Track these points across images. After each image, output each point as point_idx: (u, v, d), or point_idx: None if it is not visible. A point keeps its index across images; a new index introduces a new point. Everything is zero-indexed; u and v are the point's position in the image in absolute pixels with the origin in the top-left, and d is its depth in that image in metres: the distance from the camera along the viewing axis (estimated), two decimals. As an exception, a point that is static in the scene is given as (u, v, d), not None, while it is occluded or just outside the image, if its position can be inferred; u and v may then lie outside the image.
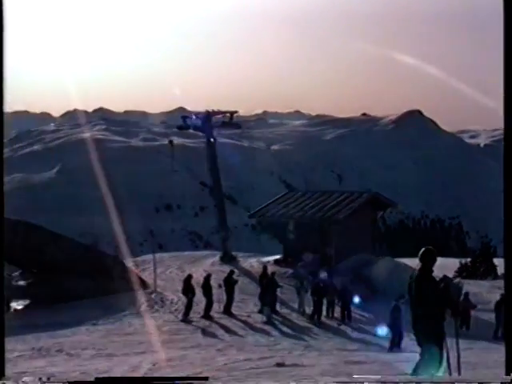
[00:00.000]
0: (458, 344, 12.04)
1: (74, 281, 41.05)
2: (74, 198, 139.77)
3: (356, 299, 34.05)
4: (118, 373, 14.75)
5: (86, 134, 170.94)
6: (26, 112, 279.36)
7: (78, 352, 20.07)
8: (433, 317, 10.24)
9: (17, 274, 47.19)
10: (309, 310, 34.84)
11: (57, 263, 42.16)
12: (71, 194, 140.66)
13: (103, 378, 9.64)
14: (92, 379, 9.37)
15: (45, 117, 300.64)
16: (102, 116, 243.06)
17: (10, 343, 22.36)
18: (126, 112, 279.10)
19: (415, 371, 10.68)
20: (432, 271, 10.61)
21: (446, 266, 34.87)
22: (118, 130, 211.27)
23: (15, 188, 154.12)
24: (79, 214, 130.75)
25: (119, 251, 50.93)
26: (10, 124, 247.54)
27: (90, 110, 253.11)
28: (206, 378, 9.47)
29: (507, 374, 8.89)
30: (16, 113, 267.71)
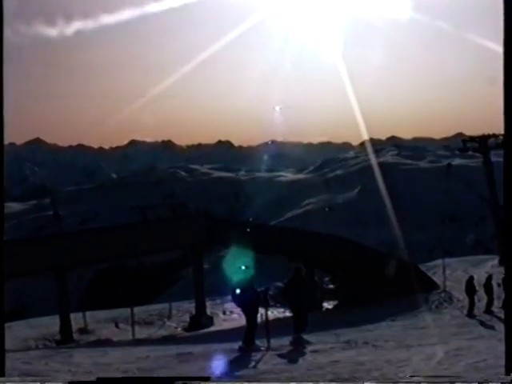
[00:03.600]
0: None
1: (374, 284, 41.70)
2: (372, 214, 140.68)
3: None
4: (416, 361, 15.01)
5: (381, 159, 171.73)
6: (330, 143, 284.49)
7: (382, 344, 20.45)
8: None
9: (327, 279, 48.59)
10: None
11: (359, 269, 42.99)
12: (370, 211, 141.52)
13: (104, 378, 9.61)
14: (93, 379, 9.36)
15: (345, 146, 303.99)
16: (393, 143, 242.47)
17: (322, 337, 23.17)
18: (414, 138, 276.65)
19: None
20: None
21: None
22: (408, 155, 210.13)
23: (321, 207, 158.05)
24: (377, 226, 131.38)
25: (412, 257, 51.01)
26: (317, 153, 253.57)
27: (384, 138, 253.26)
28: (207, 379, 9.34)
29: (507, 374, 8.33)
30: (322, 143, 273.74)
